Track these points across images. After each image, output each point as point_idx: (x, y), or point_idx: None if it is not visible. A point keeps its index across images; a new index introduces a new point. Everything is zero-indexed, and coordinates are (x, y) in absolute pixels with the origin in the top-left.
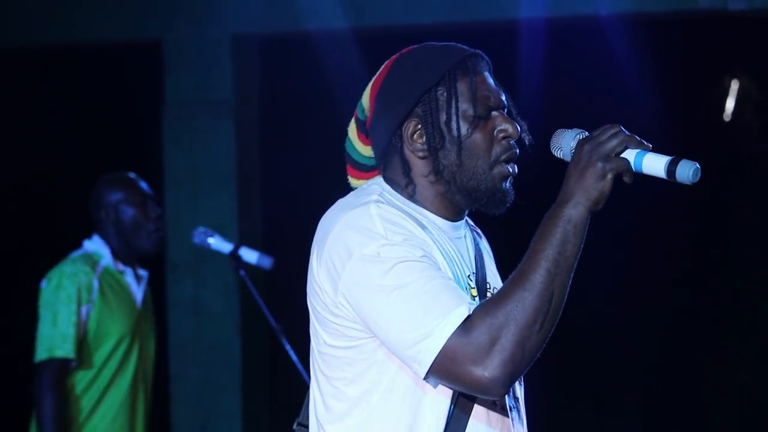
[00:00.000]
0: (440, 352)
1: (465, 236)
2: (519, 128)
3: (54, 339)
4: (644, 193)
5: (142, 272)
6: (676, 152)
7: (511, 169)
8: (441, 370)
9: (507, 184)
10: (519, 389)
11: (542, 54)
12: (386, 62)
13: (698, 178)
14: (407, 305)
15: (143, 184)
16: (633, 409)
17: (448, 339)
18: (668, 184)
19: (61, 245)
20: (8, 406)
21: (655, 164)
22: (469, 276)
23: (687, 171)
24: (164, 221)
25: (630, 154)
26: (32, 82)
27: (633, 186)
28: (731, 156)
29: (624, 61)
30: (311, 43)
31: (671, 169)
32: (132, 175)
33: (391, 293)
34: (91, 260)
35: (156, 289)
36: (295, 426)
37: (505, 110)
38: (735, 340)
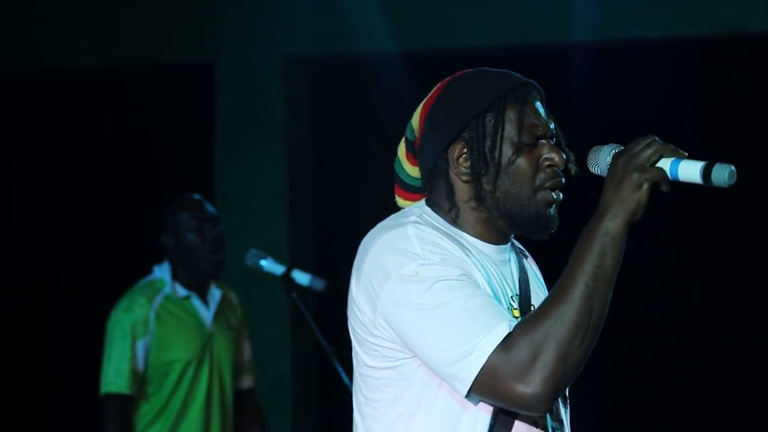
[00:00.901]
0: (481, 369)
1: (510, 259)
2: (566, 158)
3: (109, 374)
4: (704, 211)
5: (215, 293)
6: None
7: (555, 196)
8: (483, 387)
9: (551, 210)
10: (564, 412)
11: (592, 76)
12: (438, 84)
13: (734, 181)
14: (447, 324)
15: (205, 206)
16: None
17: (489, 356)
18: (720, 203)
19: (110, 266)
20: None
21: (690, 170)
22: (512, 297)
23: (723, 173)
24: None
25: (665, 163)
26: (84, 104)
27: (694, 205)
28: None
29: (675, 84)
30: (362, 65)
31: (707, 173)
32: (195, 196)
33: (430, 312)
34: (153, 289)
35: None
36: None
37: (554, 140)
38: None
